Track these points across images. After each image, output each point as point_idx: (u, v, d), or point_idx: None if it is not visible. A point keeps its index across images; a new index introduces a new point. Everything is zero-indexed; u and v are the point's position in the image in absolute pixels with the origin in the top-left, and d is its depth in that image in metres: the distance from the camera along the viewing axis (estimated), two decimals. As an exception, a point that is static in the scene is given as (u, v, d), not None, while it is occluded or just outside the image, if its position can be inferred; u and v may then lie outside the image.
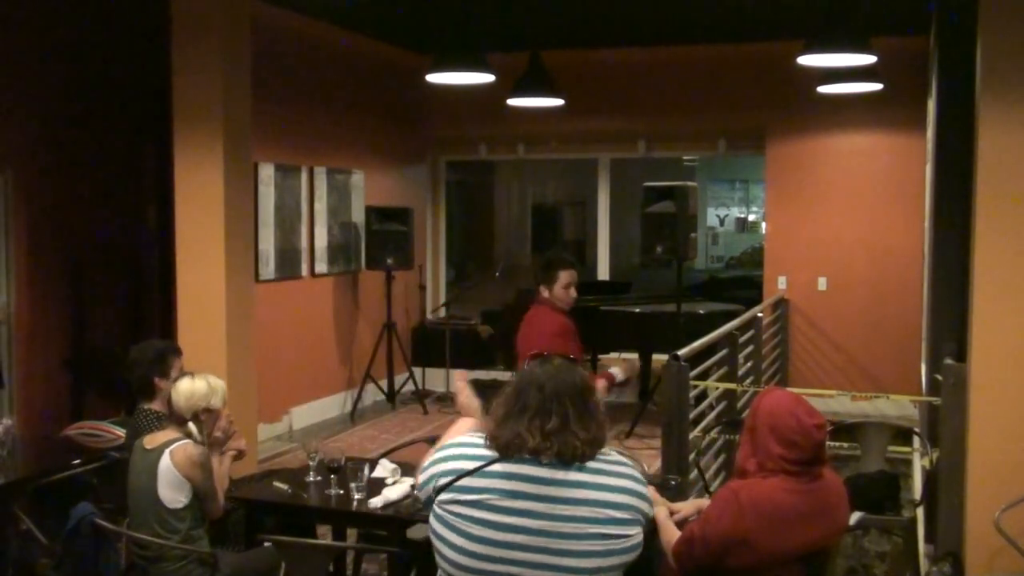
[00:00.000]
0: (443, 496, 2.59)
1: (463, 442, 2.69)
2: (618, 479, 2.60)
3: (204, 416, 3.89)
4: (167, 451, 3.77)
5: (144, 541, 3.80)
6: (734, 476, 3.15)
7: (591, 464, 2.58)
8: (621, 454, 2.74)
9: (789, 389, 3.34)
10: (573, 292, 5.08)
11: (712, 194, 16.92)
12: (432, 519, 2.64)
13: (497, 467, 2.56)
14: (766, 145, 9.20)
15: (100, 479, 4.75)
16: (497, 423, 2.63)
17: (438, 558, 2.62)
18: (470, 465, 2.58)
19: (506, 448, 2.58)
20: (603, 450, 2.63)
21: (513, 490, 2.54)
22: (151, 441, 3.86)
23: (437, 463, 2.65)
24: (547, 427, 2.56)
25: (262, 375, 6.67)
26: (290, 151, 8.18)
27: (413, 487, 3.47)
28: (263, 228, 7.72)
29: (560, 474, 2.54)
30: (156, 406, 4.33)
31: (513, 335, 5.39)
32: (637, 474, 2.66)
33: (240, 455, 4.25)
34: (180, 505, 3.77)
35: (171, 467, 3.75)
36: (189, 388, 3.90)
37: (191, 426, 3.88)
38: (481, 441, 2.64)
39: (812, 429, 2.98)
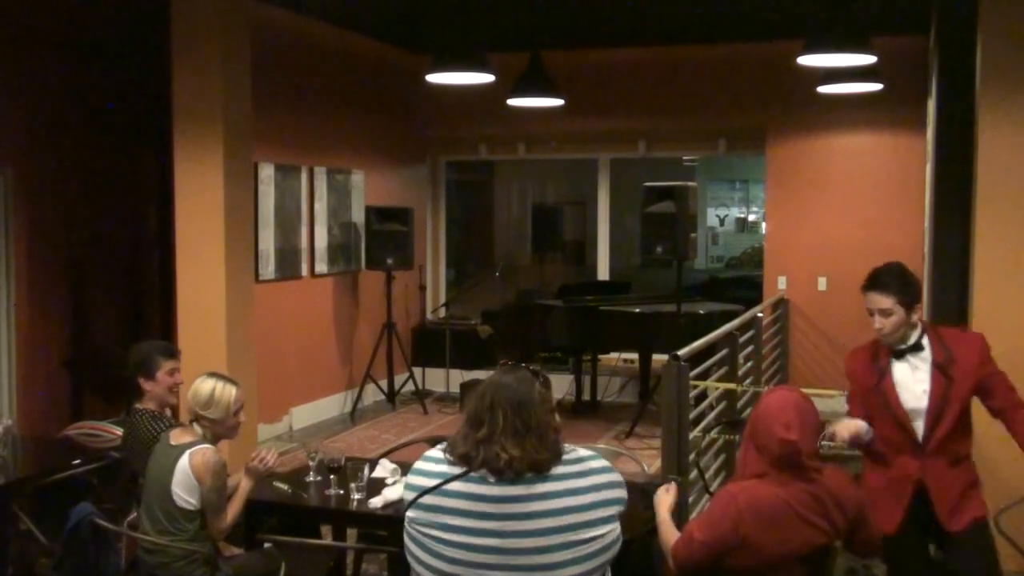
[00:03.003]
0: (411, 514, 2.59)
1: (427, 457, 2.68)
2: (580, 479, 2.55)
3: (207, 423, 3.85)
4: (187, 452, 3.75)
5: (147, 541, 3.79)
6: (736, 473, 3.16)
7: (551, 472, 2.53)
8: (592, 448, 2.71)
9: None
10: (877, 321, 3.67)
11: (712, 194, 16.92)
12: (406, 539, 2.62)
13: (456, 486, 2.54)
14: (766, 145, 9.20)
15: (100, 479, 4.76)
16: (456, 433, 2.64)
17: None
18: (430, 482, 2.57)
19: (448, 449, 2.60)
20: (564, 452, 2.58)
21: (475, 510, 2.52)
22: (177, 438, 3.84)
23: (408, 479, 2.66)
24: (477, 435, 2.54)
25: (262, 375, 6.67)
26: (290, 151, 8.18)
27: None
28: (263, 228, 7.71)
29: (519, 489, 2.51)
30: (149, 406, 4.33)
31: (512, 335, 5.22)
32: (599, 464, 2.61)
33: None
34: (190, 507, 3.75)
35: (187, 468, 3.73)
36: (194, 390, 3.88)
37: (195, 426, 3.87)
38: (441, 455, 2.63)
39: (777, 443, 2.99)
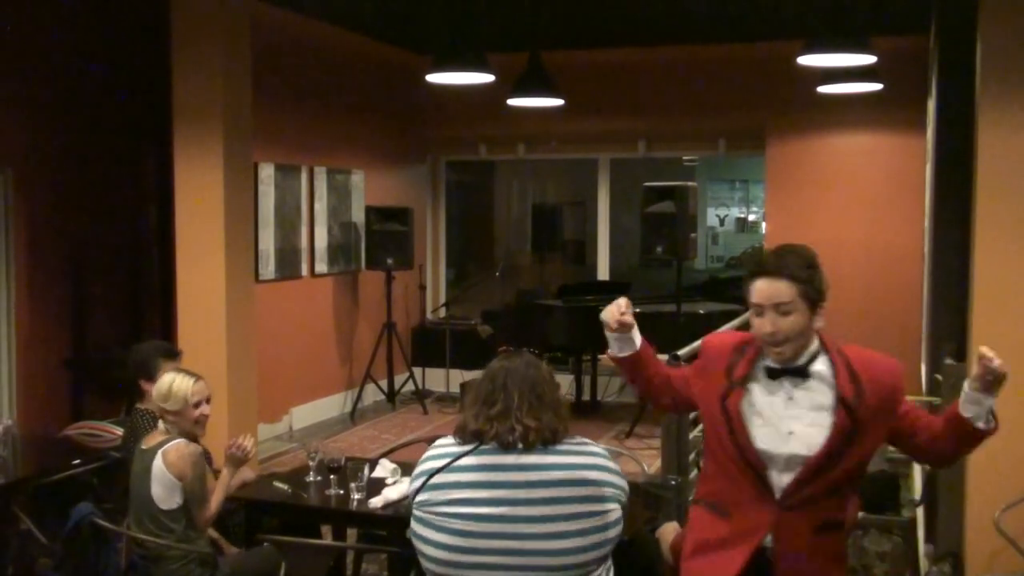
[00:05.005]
0: (420, 497, 2.65)
1: (436, 444, 2.77)
2: (588, 457, 2.66)
3: (170, 417, 3.85)
4: (160, 452, 3.77)
5: (144, 541, 3.80)
6: None
7: (558, 447, 2.65)
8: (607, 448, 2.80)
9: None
10: (767, 322, 2.64)
11: (712, 194, 16.94)
12: (413, 523, 2.69)
13: (467, 460, 2.63)
14: (766, 145, 9.20)
15: (100, 479, 4.76)
16: (464, 416, 2.74)
17: (424, 561, 2.67)
18: (441, 463, 2.65)
19: (456, 432, 2.70)
20: (570, 436, 2.71)
21: (484, 480, 2.60)
22: (147, 442, 3.87)
23: (416, 469, 2.73)
24: (490, 412, 2.65)
25: (262, 375, 6.67)
26: (290, 151, 8.18)
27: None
28: (263, 228, 7.72)
29: (529, 458, 2.61)
30: (150, 407, 4.34)
31: (512, 335, 5.21)
32: (600, 449, 2.73)
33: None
34: (174, 506, 3.76)
35: (163, 468, 3.75)
36: (157, 385, 3.92)
37: (161, 423, 3.89)
38: (451, 439, 2.73)
39: None
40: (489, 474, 2.60)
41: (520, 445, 2.60)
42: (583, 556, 2.59)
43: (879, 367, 2.64)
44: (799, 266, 2.62)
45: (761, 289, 2.63)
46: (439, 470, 2.63)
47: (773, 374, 2.65)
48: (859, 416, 2.58)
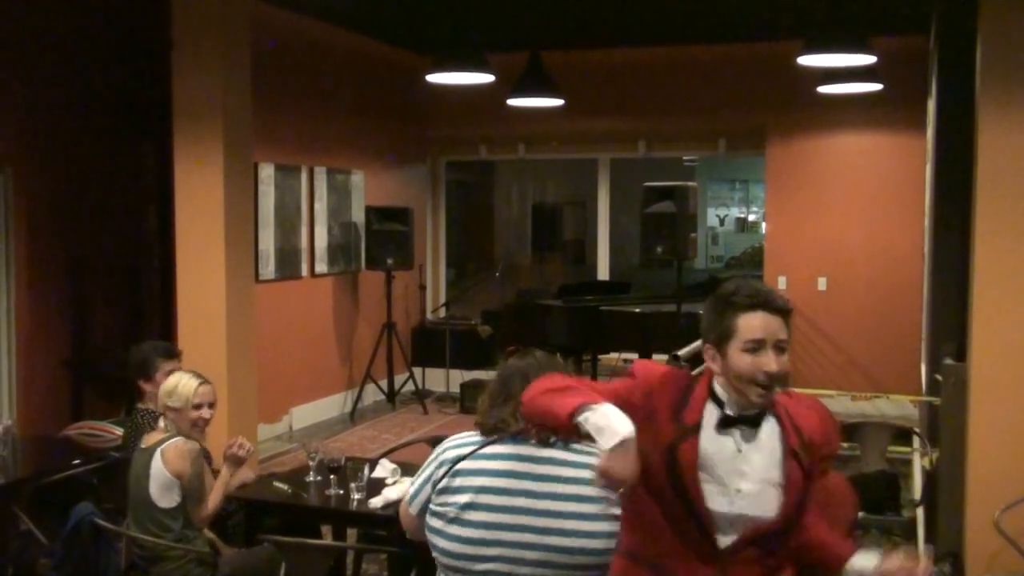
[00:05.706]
0: (441, 484, 2.64)
1: (459, 436, 2.76)
2: None
3: (171, 415, 3.89)
4: (158, 450, 3.79)
5: (143, 541, 3.80)
6: None
7: (580, 447, 2.63)
8: None
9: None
10: (772, 360, 2.30)
11: (712, 194, 16.95)
12: (429, 517, 2.67)
13: (491, 449, 2.62)
14: (766, 145, 9.20)
15: (100, 479, 4.76)
16: (482, 413, 2.72)
17: (438, 555, 2.65)
18: (468, 450, 2.65)
19: (491, 432, 2.67)
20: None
21: (515, 470, 2.59)
22: (146, 441, 3.90)
23: (435, 459, 2.72)
24: None
25: (262, 375, 6.67)
26: (290, 151, 8.18)
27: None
28: (263, 228, 7.71)
29: (560, 454, 2.60)
30: (150, 406, 4.35)
31: (512, 335, 5.21)
32: None
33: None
34: (172, 504, 3.77)
35: (161, 466, 3.77)
36: (165, 382, 3.98)
37: (162, 420, 3.94)
38: (474, 432, 2.73)
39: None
40: (520, 464, 2.59)
41: (553, 439, 2.60)
42: (595, 558, 2.58)
43: (813, 412, 2.36)
44: (787, 304, 2.37)
45: (766, 324, 2.29)
46: (465, 457, 2.62)
47: (727, 422, 2.25)
48: (807, 466, 2.27)
